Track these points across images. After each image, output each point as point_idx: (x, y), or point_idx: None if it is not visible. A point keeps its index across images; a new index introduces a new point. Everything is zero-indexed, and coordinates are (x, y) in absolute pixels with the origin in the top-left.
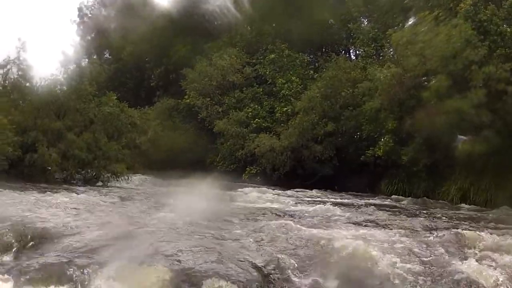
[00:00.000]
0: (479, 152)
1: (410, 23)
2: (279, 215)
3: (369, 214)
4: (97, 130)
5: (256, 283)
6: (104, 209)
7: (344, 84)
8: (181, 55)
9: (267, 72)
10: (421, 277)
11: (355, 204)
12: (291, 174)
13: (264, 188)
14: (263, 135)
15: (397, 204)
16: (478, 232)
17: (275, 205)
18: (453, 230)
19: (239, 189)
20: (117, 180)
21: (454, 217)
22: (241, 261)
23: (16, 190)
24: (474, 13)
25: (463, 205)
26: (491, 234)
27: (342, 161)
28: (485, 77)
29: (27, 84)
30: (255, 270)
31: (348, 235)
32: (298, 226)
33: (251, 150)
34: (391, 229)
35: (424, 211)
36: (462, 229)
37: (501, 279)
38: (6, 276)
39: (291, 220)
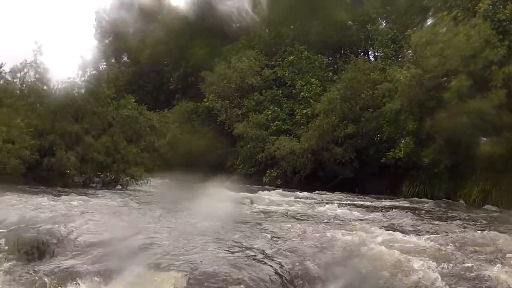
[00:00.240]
0: (499, 153)
1: (428, 23)
2: (301, 219)
3: (393, 217)
4: (115, 133)
5: None
6: (121, 213)
7: (363, 85)
8: (200, 58)
9: (286, 74)
10: (449, 281)
11: (378, 206)
12: (311, 177)
13: (284, 191)
14: (283, 137)
15: (420, 206)
16: (503, 234)
17: (296, 208)
18: (478, 232)
19: (260, 192)
20: (136, 184)
21: (477, 219)
22: (261, 267)
23: (33, 194)
24: (493, 13)
25: (485, 206)
26: None
27: (363, 163)
28: (505, 77)
29: (45, 88)
30: (276, 276)
31: (373, 239)
32: (321, 229)
33: (271, 152)
34: (418, 232)
35: (448, 213)
36: (487, 231)
37: None
38: (19, 280)
39: (314, 223)
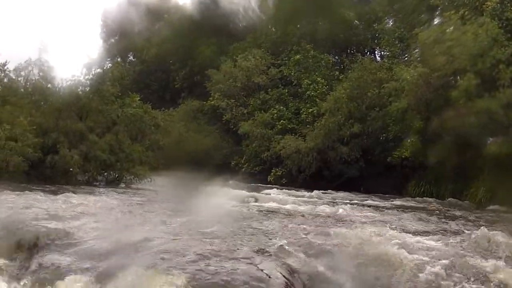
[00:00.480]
0: (507, 153)
1: (436, 22)
2: (307, 218)
3: (401, 217)
4: (120, 132)
5: None
6: (123, 212)
7: (370, 84)
8: (206, 57)
9: (292, 73)
10: (461, 283)
11: (385, 206)
12: (317, 176)
13: (289, 190)
14: (289, 136)
15: (427, 206)
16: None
17: (302, 207)
18: (489, 233)
19: (265, 191)
20: (140, 182)
21: (485, 219)
22: (267, 268)
23: (35, 192)
24: (501, 11)
25: (492, 207)
26: None
27: (368, 163)
28: None
29: (49, 86)
30: (282, 277)
31: (383, 239)
32: (327, 229)
33: (276, 151)
34: (427, 233)
35: (455, 213)
36: (495, 231)
37: None
38: (14, 279)
39: (320, 223)
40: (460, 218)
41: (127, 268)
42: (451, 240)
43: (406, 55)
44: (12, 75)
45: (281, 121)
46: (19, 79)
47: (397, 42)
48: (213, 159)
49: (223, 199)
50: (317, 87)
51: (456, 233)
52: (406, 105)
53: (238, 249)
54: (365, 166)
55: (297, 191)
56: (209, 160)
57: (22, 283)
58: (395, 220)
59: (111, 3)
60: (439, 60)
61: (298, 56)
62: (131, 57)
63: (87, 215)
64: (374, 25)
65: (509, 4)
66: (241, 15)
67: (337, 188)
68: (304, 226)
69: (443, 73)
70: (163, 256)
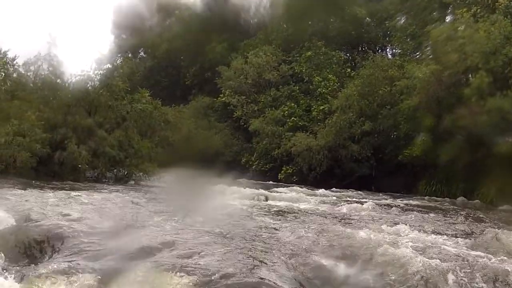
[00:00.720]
0: None
1: (448, 20)
2: (319, 217)
3: (414, 217)
4: (129, 128)
5: None
6: (131, 211)
7: (381, 82)
8: (217, 53)
9: (304, 70)
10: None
11: (397, 205)
12: (327, 174)
13: (300, 188)
14: (300, 134)
15: (439, 206)
16: None
17: (313, 206)
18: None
19: (275, 189)
20: (149, 179)
21: (499, 219)
22: (274, 268)
23: (42, 189)
24: None
25: (503, 206)
26: None
27: (379, 161)
28: None
29: (58, 81)
30: (292, 278)
31: (398, 240)
32: (341, 228)
33: (287, 149)
34: (441, 233)
35: (468, 213)
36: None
37: None
38: (18, 279)
39: (332, 222)
40: (474, 218)
41: (134, 267)
42: (467, 241)
43: (417, 52)
44: (21, 69)
45: (292, 118)
46: (28, 74)
47: (408, 39)
48: (223, 156)
49: (233, 198)
50: (328, 84)
51: (470, 234)
52: (418, 103)
53: (249, 250)
54: (376, 165)
55: (308, 189)
56: (219, 157)
57: (26, 282)
58: (410, 220)
59: None
60: (451, 57)
61: (309, 53)
62: (142, 53)
63: (94, 213)
64: (386, 22)
65: None
66: (253, 11)
67: (348, 187)
68: (315, 226)
69: (455, 71)
70: (171, 256)
